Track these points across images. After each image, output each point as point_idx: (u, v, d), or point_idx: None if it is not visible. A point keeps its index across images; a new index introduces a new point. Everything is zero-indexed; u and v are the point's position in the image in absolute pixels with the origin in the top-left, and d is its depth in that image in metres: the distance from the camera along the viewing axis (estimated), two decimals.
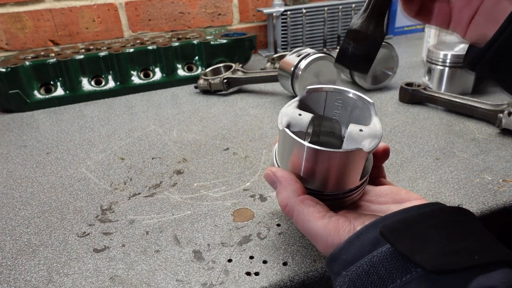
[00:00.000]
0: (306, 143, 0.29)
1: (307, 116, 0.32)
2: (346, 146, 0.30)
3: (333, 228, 0.27)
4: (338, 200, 0.32)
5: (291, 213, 0.30)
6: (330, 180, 0.30)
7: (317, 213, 0.28)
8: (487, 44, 0.27)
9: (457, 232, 0.24)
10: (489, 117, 0.59)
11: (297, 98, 0.34)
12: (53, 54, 0.83)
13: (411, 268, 0.22)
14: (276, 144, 0.36)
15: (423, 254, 0.22)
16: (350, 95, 0.33)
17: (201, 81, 0.81)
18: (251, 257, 0.36)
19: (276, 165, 0.34)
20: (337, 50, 0.30)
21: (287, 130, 0.30)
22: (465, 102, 0.62)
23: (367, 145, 0.29)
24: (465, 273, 0.21)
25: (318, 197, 0.31)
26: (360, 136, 0.30)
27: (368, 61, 0.30)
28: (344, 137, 0.36)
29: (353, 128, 0.31)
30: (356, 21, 0.29)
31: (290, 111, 0.32)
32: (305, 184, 0.31)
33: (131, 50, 0.82)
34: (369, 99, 0.32)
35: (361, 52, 0.30)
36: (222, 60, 0.88)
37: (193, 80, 0.87)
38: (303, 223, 0.29)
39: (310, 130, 0.32)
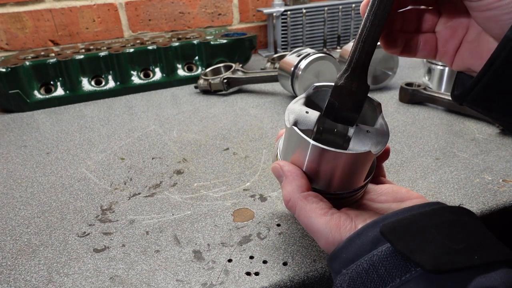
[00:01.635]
0: (317, 143, 0.28)
1: (314, 114, 0.32)
2: (353, 147, 0.30)
3: (334, 226, 0.27)
4: (342, 199, 0.32)
5: (293, 208, 0.30)
6: (336, 180, 0.30)
7: (320, 209, 0.29)
8: (472, 82, 0.27)
9: (458, 232, 0.24)
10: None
11: (303, 95, 0.33)
12: (53, 54, 0.83)
13: (411, 267, 0.23)
14: (280, 140, 0.36)
15: (423, 254, 0.22)
16: None
17: (201, 81, 0.81)
18: (251, 257, 0.36)
19: None
20: (325, 104, 0.32)
21: (295, 128, 0.30)
22: None
23: (374, 147, 0.29)
24: (465, 273, 0.21)
25: (322, 196, 0.31)
26: (367, 137, 0.30)
27: (354, 115, 0.31)
28: (347, 136, 0.35)
29: (360, 128, 0.30)
30: (340, 77, 0.31)
31: (297, 108, 0.32)
32: (310, 183, 0.31)
33: (131, 50, 0.82)
34: (376, 99, 0.32)
35: (346, 108, 0.31)
36: (222, 60, 0.88)
37: (193, 80, 0.87)
38: (305, 219, 0.29)
39: (315, 128, 0.32)
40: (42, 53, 0.85)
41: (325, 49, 1.08)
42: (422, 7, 0.32)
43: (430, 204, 0.27)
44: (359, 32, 0.29)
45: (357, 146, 0.30)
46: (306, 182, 0.30)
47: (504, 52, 0.24)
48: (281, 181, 0.32)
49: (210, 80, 0.80)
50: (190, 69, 0.89)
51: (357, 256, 0.25)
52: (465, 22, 0.30)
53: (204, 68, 0.88)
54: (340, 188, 0.31)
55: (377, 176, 0.36)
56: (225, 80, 0.79)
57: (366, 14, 0.28)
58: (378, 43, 0.30)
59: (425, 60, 0.77)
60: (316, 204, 0.29)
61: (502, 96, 0.26)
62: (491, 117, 0.30)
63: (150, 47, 0.84)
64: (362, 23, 0.29)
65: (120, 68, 0.82)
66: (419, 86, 0.69)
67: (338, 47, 1.09)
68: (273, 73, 0.76)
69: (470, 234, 0.24)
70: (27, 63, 0.77)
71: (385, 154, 0.36)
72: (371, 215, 0.28)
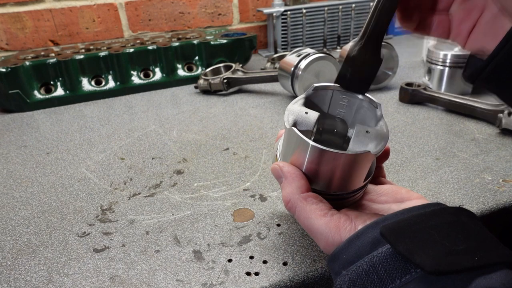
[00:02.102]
0: (316, 144, 0.28)
1: (313, 115, 0.32)
2: (353, 147, 0.30)
3: (334, 227, 0.27)
4: (342, 200, 0.32)
5: (293, 209, 0.30)
6: (336, 180, 0.30)
7: (319, 210, 0.29)
8: (487, 60, 0.27)
9: (458, 233, 0.24)
10: (489, 117, 0.59)
11: (303, 95, 0.33)
12: (53, 54, 0.83)
13: (411, 268, 0.22)
14: (279, 141, 0.36)
15: (423, 255, 0.22)
16: (357, 94, 0.33)
17: (201, 81, 0.81)
18: (251, 257, 0.36)
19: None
20: (336, 74, 0.33)
21: (295, 129, 0.29)
22: (465, 102, 0.62)
23: (374, 147, 0.29)
24: (465, 274, 0.21)
25: (322, 196, 0.31)
26: (367, 137, 0.30)
27: (366, 84, 0.32)
28: (347, 137, 0.35)
29: (360, 129, 0.30)
30: (354, 47, 0.31)
31: (296, 109, 0.32)
32: (310, 184, 0.31)
33: (131, 50, 0.82)
34: (375, 100, 0.32)
35: (359, 77, 0.31)
36: (222, 60, 0.88)
37: (193, 80, 0.87)
38: (305, 220, 0.29)
39: (315, 129, 0.32)
40: (42, 53, 0.85)
41: (325, 49, 1.08)
42: None
43: (430, 205, 0.27)
44: (374, 3, 0.29)
45: (356, 146, 0.30)
46: (306, 183, 0.30)
47: None
48: (281, 182, 0.32)
49: (210, 80, 0.80)
50: (190, 69, 0.89)
51: (357, 257, 0.25)
52: (481, 3, 0.30)
53: (204, 68, 0.88)
54: (340, 189, 0.31)
55: (377, 177, 0.36)
56: (225, 80, 0.79)
57: None
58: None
59: (425, 60, 0.77)
60: (316, 205, 0.29)
61: None
62: (503, 97, 0.30)
63: (150, 47, 0.84)
64: None
65: (120, 68, 0.82)
66: (419, 86, 0.69)
67: (338, 47, 1.09)
68: (273, 73, 0.76)
69: (470, 235, 0.24)
70: (27, 63, 0.77)
71: (385, 155, 0.36)
72: (371, 216, 0.28)
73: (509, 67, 0.26)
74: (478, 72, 0.28)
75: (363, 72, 0.31)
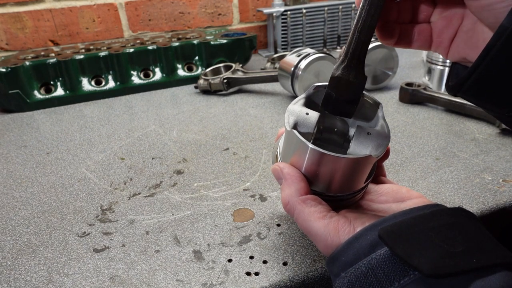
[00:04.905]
0: (316, 148, 0.28)
1: (314, 116, 0.31)
2: (354, 149, 0.30)
3: (333, 229, 0.27)
4: (341, 201, 0.32)
5: (292, 211, 0.30)
6: (336, 183, 0.30)
7: (318, 213, 0.28)
8: (468, 72, 0.26)
9: (456, 234, 0.24)
10: (489, 117, 0.59)
11: (303, 95, 0.33)
12: (53, 54, 0.83)
13: (409, 271, 0.22)
14: (280, 140, 0.36)
15: (421, 258, 0.22)
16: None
17: (201, 81, 0.81)
18: (251, 257, 0.36)
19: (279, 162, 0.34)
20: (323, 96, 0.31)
21: (295, 131, 0.29)
22: (465, 102, 0.62)
23: (375, 149, 0.29)
24: (463, 277, 0.21)
25: (322, 198, 0.31)
26: (368, 139, 0.30)
27: (351, 106, 0.31)
28: (348, 136, 0.35)
29: (361, 130, 0.30)
30: (337, 68, 0.30)
31: (297, 110, 0.32)
32: (310, 185, 0.31)
33: (131, 50, 0.82)
34: (377, 100, 0.32)
35: (344, 99, 0.30)
36: (222, 60, 0.88)
37: (193, 80, 0.87)
38: (303, 223, 0.29)
39: (315, 129, 0.32)
40: (42, 53, 0.85)
41: (325, 49, 1.08)
42: None
43: (429, 206, 0.27)
44: (354, 22, 0.29)
45: (357, 148, 0.30)
46: (305, 185, 0.30)
47: (500, 41, 0.23)
48: (281, 183, 0.32)
49: (210, 80, 0.80)
50: (190, 69, 0.89)
51: (355, 260, 0.25)
52: (460, 12, 0.29)
53: (204, 68, 0.88)
54: (340, 191, 0.31)
55: (377, 176, 0.36)
56: (225, 80, 0.79)
57: (361, 4, 0.28)
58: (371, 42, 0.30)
59: (425, 60, 0.77)
60: (315, 207, 0.29)
61: (497, 86, 0.26)
62: (486, 109, 0.29)
63: (150, 47, 0.84)
64: (358, 13, 0.28)
65: (120, 68, 0.82)
66: (419, 86, 0.69)
67: (338, 47, 1.09)
68: (273, 73, 0.76)
69: (469, 237, 0.24)
70: (27, 63, 0.77)
71: (385, 154, 0.35)
72: (370, 218, 0.28)
73: (490, 79, 0.25)
74: (459, 85, 0.27)
75: (348, 92, 0.30)
